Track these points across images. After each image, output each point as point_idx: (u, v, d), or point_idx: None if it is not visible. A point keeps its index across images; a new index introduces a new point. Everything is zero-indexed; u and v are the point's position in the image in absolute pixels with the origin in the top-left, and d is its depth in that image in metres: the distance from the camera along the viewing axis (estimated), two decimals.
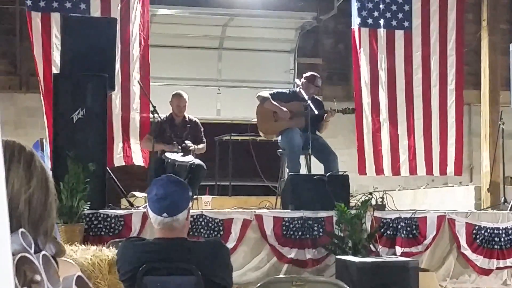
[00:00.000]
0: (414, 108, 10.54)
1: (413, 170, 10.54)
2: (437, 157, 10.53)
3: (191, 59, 12.90)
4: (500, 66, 10.69)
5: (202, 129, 9.04)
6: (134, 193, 9.20)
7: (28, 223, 1.63)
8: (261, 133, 9.02)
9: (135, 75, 9.79)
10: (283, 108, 8.64)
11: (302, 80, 8.85)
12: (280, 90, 9.10)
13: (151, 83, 10.16)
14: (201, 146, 8.89)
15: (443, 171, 10.59)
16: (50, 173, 1.74)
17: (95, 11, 9.66)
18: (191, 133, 8.85)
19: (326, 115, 8.67)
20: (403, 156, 10.46)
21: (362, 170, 10.41)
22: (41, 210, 1.67)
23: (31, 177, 1.67)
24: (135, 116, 9.78)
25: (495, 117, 10.14)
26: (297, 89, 8.81)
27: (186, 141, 8.65)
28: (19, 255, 1.45)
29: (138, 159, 9.81)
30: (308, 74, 8.97)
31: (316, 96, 8.94)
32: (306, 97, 8.52)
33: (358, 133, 10.49)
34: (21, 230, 1.51)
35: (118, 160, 9.63)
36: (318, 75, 8.96)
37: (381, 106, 10.47)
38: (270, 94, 8.80)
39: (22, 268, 1.44)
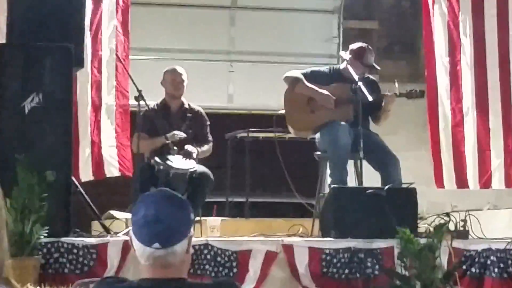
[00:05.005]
0: None
1: (510, 181, 10.44)
2: None
3: (191, 22, 12.88)
4: None
5: (208, 123, 9.05)
6: (112, 212, 9.22)
7: None
8: (290, 129, 9.06)
9: (111, 48, 9.79)
10: (325, 92, 8.66)
11: (348, 55, 8.88)
12: (316, 69, 9.13)
13: (134, 57, 10.18)
14: (205, 148, 8.90)
15: None
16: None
17: None
18: (192, 128, 8.87)
19: (384, 101, 8.67)
20: (496, 161, 10.34)
21: (439, 181, 10.31)
22: None
23: None
24: (109, 106, 9.76)
25: None
26: (342, 66, 8.83)
27: (187, 146, 8.62)
28: None
29: (113, 170, 9.79)
30: (355, 46, 8.98)
31: (370, 76, 8.96)
32: (356, 77, 8.54)
33: (432, 128, 10.41)
34: None
35: (85, 171, 9.60)
36: (369, 48, 8.97)
37: (464, 89, 10.37)
38: (303, 74, 8.84)
39: None
